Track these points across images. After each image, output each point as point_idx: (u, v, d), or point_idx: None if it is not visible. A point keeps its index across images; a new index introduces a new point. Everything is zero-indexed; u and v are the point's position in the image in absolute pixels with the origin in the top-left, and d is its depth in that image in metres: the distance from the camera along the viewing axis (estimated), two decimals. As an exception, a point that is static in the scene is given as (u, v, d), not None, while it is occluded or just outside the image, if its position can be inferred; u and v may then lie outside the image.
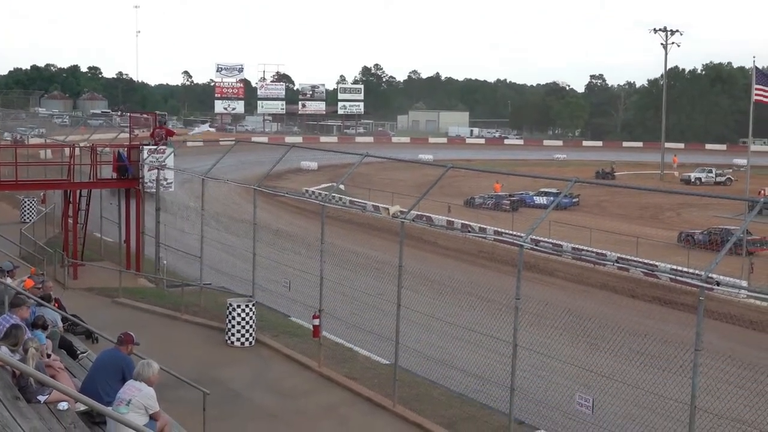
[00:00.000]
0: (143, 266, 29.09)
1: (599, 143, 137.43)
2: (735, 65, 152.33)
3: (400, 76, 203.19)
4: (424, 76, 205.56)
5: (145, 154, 28.79)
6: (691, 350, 11.54)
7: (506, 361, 13.98)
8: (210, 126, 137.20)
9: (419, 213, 38.92)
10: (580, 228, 40.95)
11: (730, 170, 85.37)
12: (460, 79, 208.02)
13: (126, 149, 29.85)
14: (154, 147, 29.08)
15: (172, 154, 29.44)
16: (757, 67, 39.95)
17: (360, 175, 58.78)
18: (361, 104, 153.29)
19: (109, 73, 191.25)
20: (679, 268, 30.65)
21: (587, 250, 35.49)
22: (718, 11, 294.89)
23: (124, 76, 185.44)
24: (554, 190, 55.89)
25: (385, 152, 73.32)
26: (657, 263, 33.09)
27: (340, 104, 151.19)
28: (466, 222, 45.57)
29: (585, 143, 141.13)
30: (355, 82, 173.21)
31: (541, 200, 56.52)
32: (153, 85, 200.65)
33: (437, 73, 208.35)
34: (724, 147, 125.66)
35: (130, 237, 29.52)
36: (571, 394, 13.55)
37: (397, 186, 60.55)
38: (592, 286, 32.71)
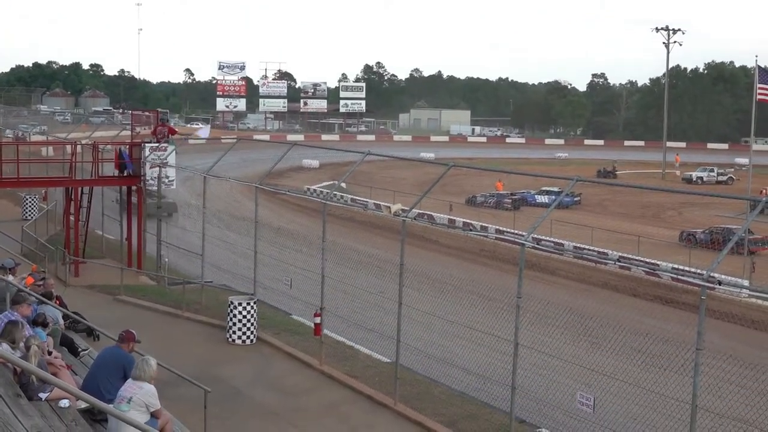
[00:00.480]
0: (145, 264, 29.10)
1: (601, 142, 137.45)
2: (737, 64, 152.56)
3: (402, 75, 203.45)
4: (426, 74, 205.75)
5: (147, 152, 28.82)
6: (693, 349, 11.54)
7: (507, 359, 13.98)
8: (209, 124, 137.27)
9: (421, 211, 38.92)
10: (582, 227, 40.92)
11: (732, 169, 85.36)
12: (462, 77, 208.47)
13: (128, 147, 29.89)
14: (156, 144, 29.11)
15: (174, 151, 29.47)
16: (759, 66, 39.90)
17: (361, 174, 58.72)
18: (363, 102, 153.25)
19: (111, 70, 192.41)
20: (681, 267, 30.66)
21: (589, 249, 35.46)
22: (720, 10, 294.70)
23: (126, 74, 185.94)
24: (556, 189, 55.87)
25: (386, 150, 73.18)
26: (658, 262, 33.07)
27: (341, 102, 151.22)
28: (468, 220, 45.57)
29: (587, 142, 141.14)
30: (357, 80, 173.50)
31: (543, 199, 56.50)
32: (155, 82, 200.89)
33: (439, 72, 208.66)
34: (726, 146, 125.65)
35: (132, 234, 29.54)
36: (573, 392, 13.55)
37: (398, 184, 60.57)
38: (593, 285, 32.72)
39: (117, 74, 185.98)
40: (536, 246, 28.81)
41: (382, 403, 16.27)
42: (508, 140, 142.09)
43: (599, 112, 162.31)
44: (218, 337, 20.40)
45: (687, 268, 29.24)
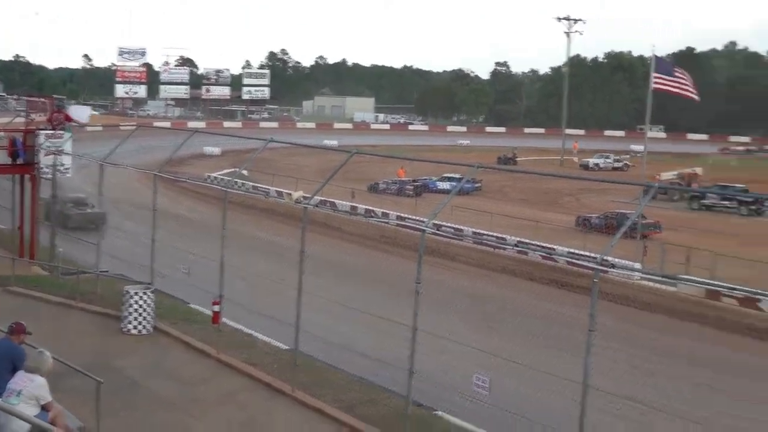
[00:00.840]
0: (38, 254, 28.37)
1: (503, 129, 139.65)
2: (635, 54, 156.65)
3: (307, 62, 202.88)
4: (330, 61, 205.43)
5: (42, 139, 28.05)
6: (586, 331, 11.82)
7: (406, 344, 14.08)
8: (96, 110, 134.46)
9: (323, 198, 38.88)
10: (482, 213, 41.48)
11: (628, 156, 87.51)
12: (367, 65, 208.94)
13: (21, 134, 29.05)
14: (52, 132, 28.36)
15: (70, 139, 28.77)
16: (656, 56, 40.93)
17: (264, 161, 58.36)
18: (267, 89, 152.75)
19: (5, 55, 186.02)
20: (577, 251, 31.41)
21: (488, 235, 36.02)
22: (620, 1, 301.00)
23: (21, 59, 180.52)
24: (457, 176, 56.41)
25: (289, 138, 72.98)
26: (555, 247, 33.75)
27: (244, 89, 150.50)
28: (370, 207, 45.74)
29: (488, 129, 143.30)
30: (261, 67, 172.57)
31: (444, 186, 56.94)
32: (52, 68, 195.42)
33: (343, 59, 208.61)
34: (622, 133, 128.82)
35: (24, 224, 28.75)
36: (470, 375, 13.75)
37: (301, 171, 60.36)
38: (492, 270, 33.17)
39: (12, 59, 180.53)
40: (437, 232, 29.15)
41: (280, 390, 16.24)
42: (411, 127, 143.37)
43: (501, 100, 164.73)
44: (113, 327, 20.01)
45: (582, 252, 29.97)
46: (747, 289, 20.35)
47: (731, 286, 22.77)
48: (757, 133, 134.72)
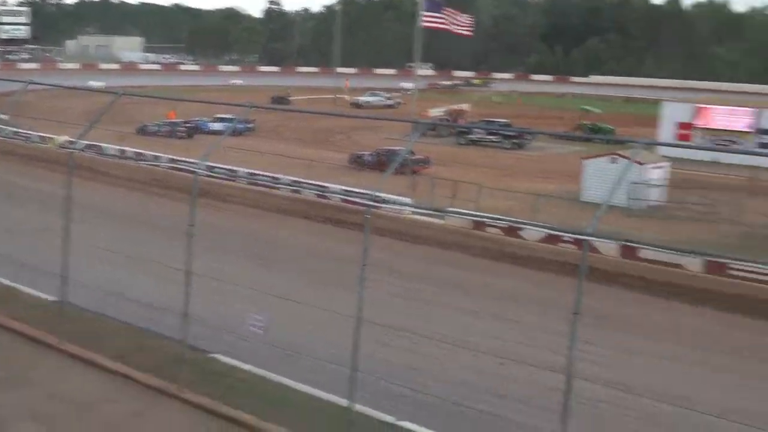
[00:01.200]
0: None
1: (276, 69, 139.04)
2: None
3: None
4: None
5: None
6: (360, 266, 11.99)
7: (181, 288, 13.80)
8: None
9: (89, 142, 37.31)
10: (256, 153, 41.25)
11: (399, 94, 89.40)
12: (134, 2, 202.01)
13: None
14: None
15: None
16: (425, -5, 41.87)
17: (25, 104, 55.15)
18: (26, 28, 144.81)
19: None
20: (350, 188, 31.91)
21: (262, 175, 35.92)
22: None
23: None
24: (230, 116, 55.66)
25: (52, 79, 69.45)
26: (328, 185, 34.12)
27: (1, 28, 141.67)
28: (140, 150, 44.43)
29: (262, 69, 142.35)
30: (20, 4, 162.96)
31: (217, 126, 56.04)
32: None
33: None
34: (393, 71, 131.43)
35: None
36: (246, 316, 13.71)
37: (65, 114, 57.57)
38: (267, 210, 33.10)
39: None
40: (210, 174, 28.73)
41: (46, 343, 15.52)
42: (182, 67, 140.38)
43: (275, 39, 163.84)
44: None
45: (355, 190, 30.47)
46: (509, 218, 21.46)
47: (495, 216, 23.86)
48: (519, 69, 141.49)
